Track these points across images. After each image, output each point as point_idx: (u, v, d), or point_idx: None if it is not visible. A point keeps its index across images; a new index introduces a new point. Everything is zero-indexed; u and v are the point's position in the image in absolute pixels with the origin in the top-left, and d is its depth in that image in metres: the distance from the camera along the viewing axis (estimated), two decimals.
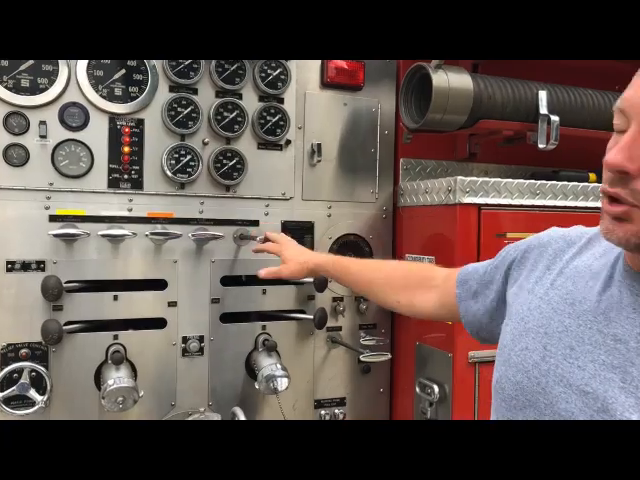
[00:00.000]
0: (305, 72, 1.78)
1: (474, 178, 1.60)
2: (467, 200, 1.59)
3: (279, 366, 1.65)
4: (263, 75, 1.70)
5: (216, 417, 1.57)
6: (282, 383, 1.64)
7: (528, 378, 0.80)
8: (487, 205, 1.61)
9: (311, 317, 1.73)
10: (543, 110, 1.74)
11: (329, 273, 1.48)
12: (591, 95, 1.86)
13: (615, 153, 0.68)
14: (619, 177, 0.69)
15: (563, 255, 0.89)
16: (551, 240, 0.94)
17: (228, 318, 1.70)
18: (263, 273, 1.52)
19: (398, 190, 1.91)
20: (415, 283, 1.24)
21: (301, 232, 1.79)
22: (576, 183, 1.73)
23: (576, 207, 1.71)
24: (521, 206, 1.65)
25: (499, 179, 1.63)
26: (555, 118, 1.73)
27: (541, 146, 1.74)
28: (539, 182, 1.67)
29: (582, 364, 0.75)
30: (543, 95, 1.75)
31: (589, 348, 0.75)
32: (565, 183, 1.71)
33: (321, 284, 1.72)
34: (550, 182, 1.69)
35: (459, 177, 1.59)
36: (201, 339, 1.67)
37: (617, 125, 0.71)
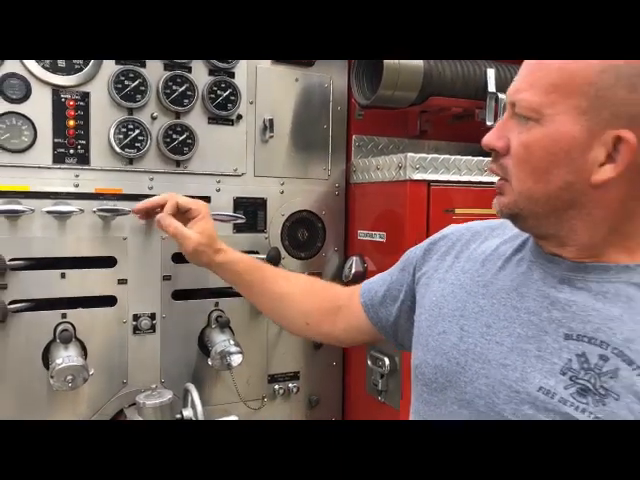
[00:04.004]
0: None
1: (424, 155, 1.62)
2: (417, 176, 1.61)
3: (232, 342, 1.66)
4: None
5: (169, 394, 1.57)
6: (236, 359, 1.65)
7: (447, 360, 0.84)
8: (436, 181, 1.64)
9: None
10: (491, 88, 1.78)
11: (237, 268, 1.23)
12: None
13: (488, 134, 0.81)
14: (494, 155, 0.81)
15: (470, 244, 0.94)
16: (457, 233, 0.99)
17: (180, 295, 1.69)
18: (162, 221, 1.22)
19: (350, 167, 1.92)
20: (327, 305, 1.18)
21: (254, 208, 1.78)
22: None
23: None
24: (469, 182, 1.69)
25: (448, 156, 1.66)
26: (502, 96, 1.77)
27: (489, 123, 1.78)
28: (486, 159, 1.71)
29: (499, 339, 0.79)
30: (491, 73, 1.79)
31: (505, 324, 0.80)
32: None
33: (274, 259, 1.73)
34: None
35: (409, 154, 1.61)
36: (152, 316, 1.65)
37: None
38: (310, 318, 1.18)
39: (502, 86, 1.80)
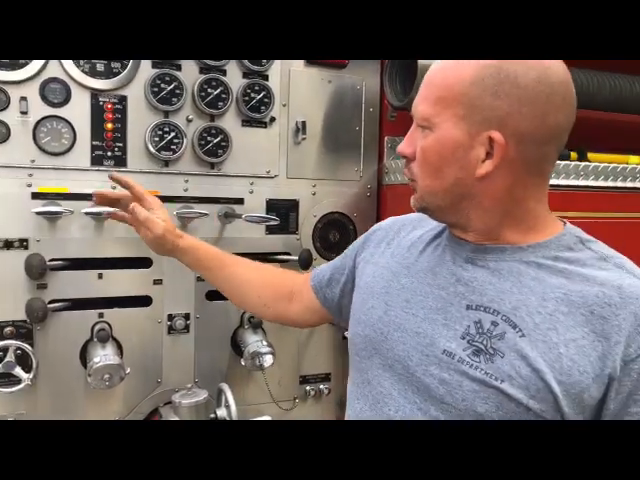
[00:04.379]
0: None
1: None
2: None
3: (265, 343, 1.67)
4: None
5: (204, 394, 1.59)
6: (268, 360, 1.66)
7: (374, 330, 0.96)
8: None
9: None
10: None
11: (198, 254, 1.30)
12: None
13: (401, 143, 0.93)
14: (406, 161, 0.93)
15: (400, 233, 1.08)
16: (390, 223, 1.13)
17: (214, 296, 1.70)
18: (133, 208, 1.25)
19: (382, 168, 1.91)
20: (283, 289, 1.29)
21: (286, 210, 1.79)
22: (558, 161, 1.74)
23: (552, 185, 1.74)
24: None
25: None
26: None
27: None
28: None
29: (415, 312, 0.92)
30: None
31: (420, 298, 0.92)
32: None
33: (306, 260, 1.73)
34: None
35: None
36: (187, 317, 1.68)
37: None
38: (267, 300, 1.29)
39: None
